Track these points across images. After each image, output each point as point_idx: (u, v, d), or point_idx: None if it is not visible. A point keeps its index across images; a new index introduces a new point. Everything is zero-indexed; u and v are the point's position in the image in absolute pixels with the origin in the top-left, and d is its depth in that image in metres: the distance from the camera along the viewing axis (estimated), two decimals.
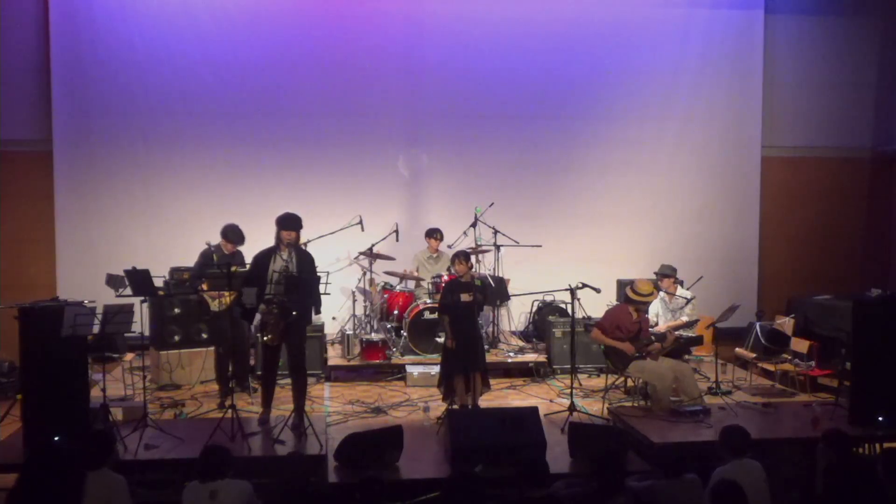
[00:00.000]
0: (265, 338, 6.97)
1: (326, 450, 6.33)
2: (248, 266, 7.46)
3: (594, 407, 7.77)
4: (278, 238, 7.03)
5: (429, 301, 9.22)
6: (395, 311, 9.50)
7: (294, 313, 6.83)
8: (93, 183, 10.23)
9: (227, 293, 7.46)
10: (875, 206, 11.51)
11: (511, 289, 9.74)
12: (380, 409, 7.82)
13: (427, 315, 9.14)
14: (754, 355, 8.92)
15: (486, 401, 7.62)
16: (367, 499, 4.70)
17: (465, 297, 7.30)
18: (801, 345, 8.51)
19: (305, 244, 8.35)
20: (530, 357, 9.38)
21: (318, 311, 7.33)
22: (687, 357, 8.67)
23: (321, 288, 6.95)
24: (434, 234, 9.89)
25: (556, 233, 10.72)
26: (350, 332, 9.32)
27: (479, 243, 9.88)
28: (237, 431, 6.50)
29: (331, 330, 9.88)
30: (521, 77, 10.75)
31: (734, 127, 11.16)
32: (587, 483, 5.19)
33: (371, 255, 9.83)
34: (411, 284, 9.84)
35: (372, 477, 4.95)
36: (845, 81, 11.30)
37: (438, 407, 7.54)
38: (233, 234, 8.10)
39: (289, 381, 7.23)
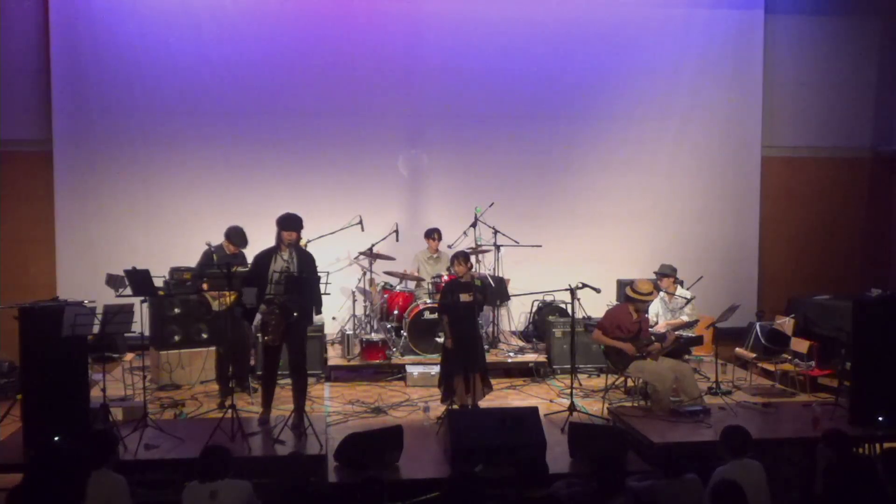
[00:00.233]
0: (266, 338, 6.97)
1: (326, 450, 6.33)
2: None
3: (594, 407, 7.77)
4: (279, 238, 7.02)
5: (429, 301, 9.22)
6: (395, 311, 9.50)
7: (295, 314, 6.83)
8: (93, 183, 10.23)
9: (228, 293, 7.46)
10: (875, 206, 11.51)
11: (511, 289, 9.74)
12: (380, 409, 7.83)
13: (427, 315, 9.14)
14: (754, 355, 8.92)
15: (486, 401, 7.61)
16: (367, 499, 4.70)
17: (464, 298, 7.30)
18: (801, 345, 8.50)
19: (306, 244, 8.35)
20: (530, 357, 9.38)
21: (318, 312, 7.33)
22: (687, 357, 8.66)
23: (321, 288, 6.95)
24: (432, 234, 9.89)
25: (556, 233, 10.72)
26: (350, 332, 9.32)
27: (479, 243, 9.88)
28: (237, 431, 6.50)
29: (331, 330, 9.88)
30: (521, 77, 10.75)
31: (734, 127, 11.16)
32: (587, 483, 5.20)
33: (371, 255, 9.83)
34: (411, 284, 9.84)
35: (372, 477, 4.95)
36: (845, 81, 11.31)
37: (438, 407, 7.53)
38: (235, 236, 8.11)
39: (289, 381, 7.24)
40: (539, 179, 10.88)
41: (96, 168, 10.24)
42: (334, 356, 9.37)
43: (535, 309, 10.40)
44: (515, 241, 9.98)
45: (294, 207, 7.29)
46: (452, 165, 10.79)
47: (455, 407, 7.22)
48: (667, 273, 8.84)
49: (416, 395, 8.35)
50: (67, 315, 6.14)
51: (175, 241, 9.93)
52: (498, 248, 9.98)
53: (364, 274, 9.91)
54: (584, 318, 9.15)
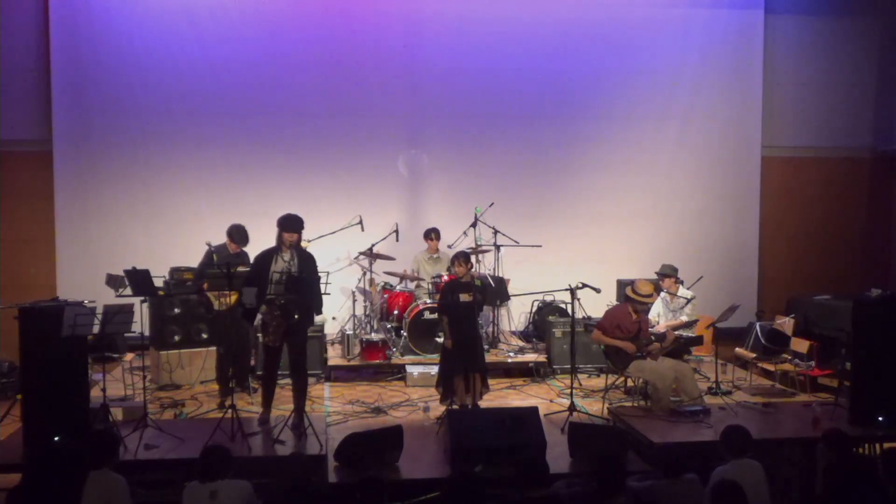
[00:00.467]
0: (266, 339, 6.97)
1: (326, 450, 6.33)
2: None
3: (594, 407, 7.77)
4: (280, 239, 7.01)
5: (429, 301, 9.22)
6: (395, 311, 9.50)
7: (296, 316, 6.83)
8: (93, 183, 10.24)
9: (230, 293, 7.46)
10: (875, 206, 11.51)
11: (511, 289, 9.74)
12: (380, 409, 7.83)
13: (427, 315, 9.14)
14: (754, 355, 8.92)
15: (486, 401, 7.61)
16: (367, 499, 4.70)
17: (464, 298, 7.30)
18: (801, 345, 8.51)
19: (307, 244, 8.34)
20: (530, 357, 9.38)
21: (318, 312, 7.32)
22: (687, 357, 8.66)
23: (321, 288, 6.95)
24: (430, 234, 9.89)
25: (556, 233, 10.73)
26: (350, 332, 9.32)
27: (479, 243, 9.87)
28: (237, 431, 6.49)
29: (331, 330, 9.89)
30: (521, 77, 10.75)
31: (734, 127, 11.16)
32: (587, 483, 5.20)
33: (371, 255, 9.83)
34: (411, 284, 9.84)
35: (372, 477, 4.95)
36: (845, 81, 11.31)
37: (438, 407, 7.53)
38: (237, 235, 8.12)
39: (289, 381, 7.23)
40: (539, 179, 10.88)
41: (96, 168, 10.24)
42: (334, 356, 9.38)
43: (535, 309, 10.40)
44: (515, 241, 9.98)
45: (294, 207, 7.28)
46: (452, 165, 10.79)
47: (455, 407, 7.22)
48: (668, 273, 8.83)
49: (416, 395, 8.35)
50: (67, 315, 6.14)
51: (175, 241, 9.94)
52: (498, 248, 9.98)
53: (364, 274, 9.91)
54: (584, 318, 9.16)
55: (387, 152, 10.69)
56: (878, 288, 8.91)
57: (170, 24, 10.21)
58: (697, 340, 8.45)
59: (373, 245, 9.85)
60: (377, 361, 9.06)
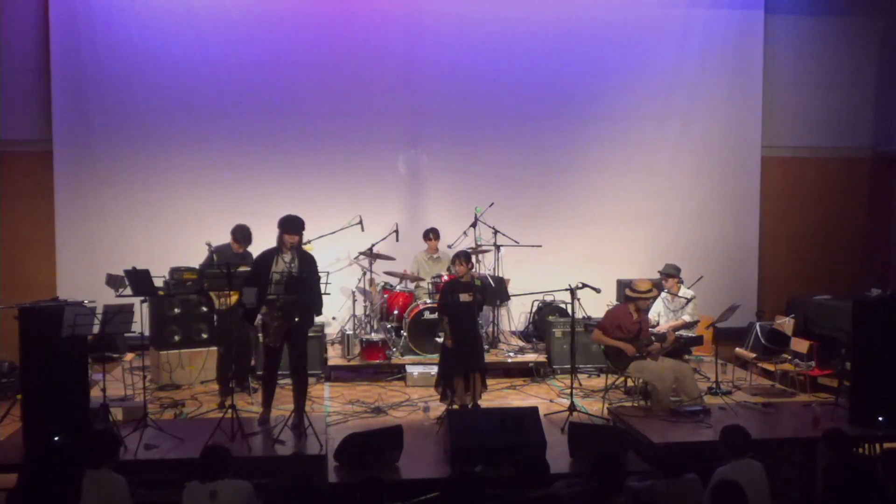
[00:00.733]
0: (266, 339, 6.97)
1: (326, 450, 6.33)
2: None
3: (594, 407, 7.77)
4: (280, 240, 7.01)
5: (429, 301, 9.22)
6: (395, 311, 9.50)
7: (297, 318, 6.83)
8: (93, 183, 10.23)
9: (232, 293, 7.46)
10: (875, 206, 11.51)
11: (511, 289, 9.74)
12: (380, 409, 7.83)
13: (427, 315, 9.14)
14: (754, 355, 8.92)
15: (486, 401, 7.62)
16: (367, 499, 4.70)
17: (464, 297, 7.30)
18: (801, 345, 8.50)
19: (307, 244, 8.34)
20: (530, 357, 9.38)
21: (319, 313, 7.31)
22: (687, 357, 8.66)
23: (322, 288, 6.95)
24: (430, 234, 9.89)
25: (556, 233, 10.72)
26: (350, 332, 9.32)
27: (479, 243, 9.88)
28: (237, 431, 6.49)
29: (331, 330, 9.89)
30: (521, 77, 10.75)
31: (734, 127, 11.15)
32: (587, 483, 5.20)
33: (371, 255, 9.83)
34: (411, 284, 9.84)
35: (372, 477, 4.95)
36: (845, 81, 11.30)
37: (438, 407, 7.53)
38: (240, 234, 8.13)
39: (289, 381, 7.23)
40: (539, 179, 10.88)
41: (96, 168, 10.24)
42: (334, 356, 9.38)
43: (535, 309, 10.40)
44: (515, 241, 9.98)
45: (294, 207, 7.28)
46: (452, 165, 10.78)
47: (455, 407, 7.22)
48: (672, 273, 8.80)
49: (416, 395, 8.35)
50: (67, 315, 6.14)
51: (175, 241, 9.94)
52: (498, 248, 9.98)
53: (364, 274, 9.91)
54: (584, 318, 9.15)
55: (387, 152, 10.68)
56: (878, 288, 8.94)
57: (170, 24, 10.21)
58: (697, 340, 8.45)
59: (373, 245, 9.85)
60: (377, 361, 9.06)
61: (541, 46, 10.76)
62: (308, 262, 7.05)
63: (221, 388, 8.06)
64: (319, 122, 10.51)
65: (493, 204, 10.04)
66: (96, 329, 6.53)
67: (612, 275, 9.93)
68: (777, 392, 8.38)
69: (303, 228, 7.04)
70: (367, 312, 9.79)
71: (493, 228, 9.97)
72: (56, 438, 6.09)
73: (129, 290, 6.99)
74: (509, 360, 9.32)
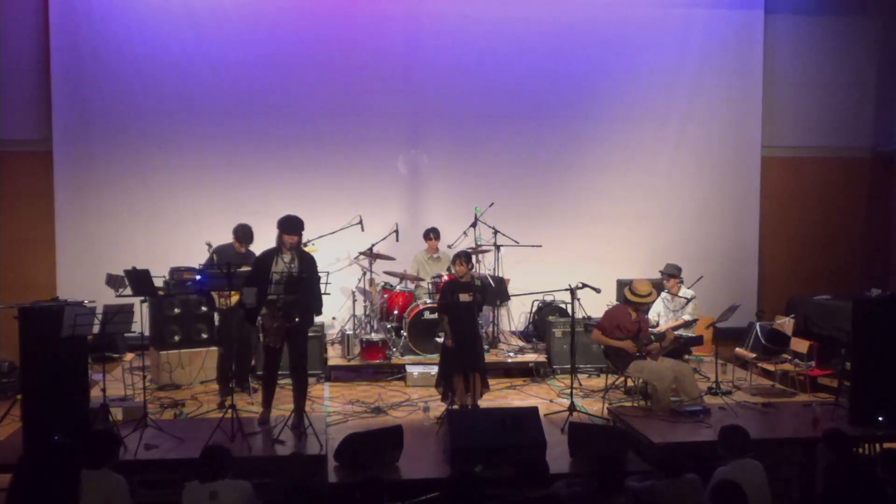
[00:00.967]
0: (266, 340, 6.97)
1: (326, 450, 6.33)
2: None
3: (594, 407, 7.77)
4: (280, 240, 7.01)
5: (429, 301, 9.22)
6: (395, 311, 9.50)
7: (297, 319, 6.84)
8: (93, 183, 10.22)
9: (233, 293, 7.45)
10: (875, 206, 11.51)
11: (511, 289, 9.74)
12: (380, 409, 7.83)
13: (427, 315, 9.14)
14: (754, 355, 8.91)
15: (486, 401, 7.62)
16: (367, 499, 4.70)
17: (464, 297, 7.30)
18: (801, 345, 8.50)
19: (306, 244, 8.35)
20: (530, 357, 9.38)
21: (319, 313, 7.32)
22: (687, 357, 8.66)
23: (322, 288, 6.95)
24: (430, 234, 9.89)
25: (556, 233, 10.72)
26: (350, 332, 9.32)
27: (479, 243, 9.88)
28: (237, 431, 6.49)
29: (331, 330, 9.89)
30: (521, 77, 10.75)
31: (734, 127, 11.15)
32: (587, 483, 5.20)
33: (371, 255, 9.83)
34: (411, 284, 9.84)
35: (372, 477, 4.96)
36: (845, 81, 11.29)
37: (438, 407, 7.53)
38: (241, 234, 8.13)
39: (289, 381, 7.23)
40: (539, 179, 10.87)
41: (96, 168, 10.23)
42: (334, 356, 9.38)
43: (535, 309, 10.40)
44: (515, 241, 9.98)
45: (294, 207, 7.28)
46: (452, 165, 10.78)
47: (455, 407, 7.22)
48: (673, 273, 8.79)
49: (416, 395, 8.35)
50: (67, 315, 6.14)
51: (175, 241, 9.94)
52: (498, 248, 9.98)
53: (364, 274, 9.91)
54: (584, 318, 9.15)
55: (387, 152, 10.68)
56: (878, 288, 8.95)
57: (170, 24, 10.21)
58: (697, 340, 8.45)
59: (373, 245, 9.85)
60: (377, 361, 9.06)
61: (541, 46, 10.76)
62: (308, 263, 7.05)
63: (221, 388, 8.07)
64: (319, 122, 10.51)
65: (493, 204, 10.04)
66: (96, 329, 6.53)
67: (612, 275, 9.94)
68: (777, 392, 8.38)
69: (302, 229, 7.04)
70: (367, 312, 9.79)
71: (493, 228, 9.97)
72: (55, 438, 6.09)
73: (129, 290, 6.99)
74: (509, 360, 9.32)
